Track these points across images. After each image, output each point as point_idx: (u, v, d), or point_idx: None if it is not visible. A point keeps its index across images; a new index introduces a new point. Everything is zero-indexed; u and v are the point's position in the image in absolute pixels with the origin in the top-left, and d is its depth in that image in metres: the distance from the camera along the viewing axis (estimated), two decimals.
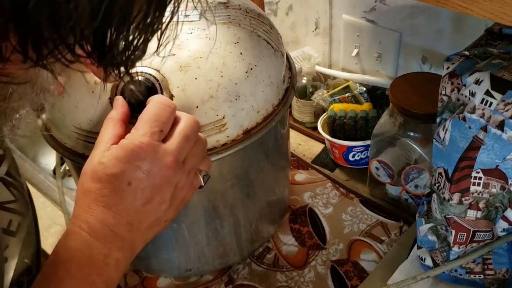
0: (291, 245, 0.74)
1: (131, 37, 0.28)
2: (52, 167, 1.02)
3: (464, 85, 0.53)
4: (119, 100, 0.47)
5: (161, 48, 0.32)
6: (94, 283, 0.40)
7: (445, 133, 0.54)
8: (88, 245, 0.40)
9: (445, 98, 0.56)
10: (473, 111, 0.51)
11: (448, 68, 0.55)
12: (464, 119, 0.52)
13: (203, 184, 0.49)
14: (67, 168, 0.87)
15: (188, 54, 0.51)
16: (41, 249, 0.56)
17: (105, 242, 0.41)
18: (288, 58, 0.63)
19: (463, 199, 0.54)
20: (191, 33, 0.54)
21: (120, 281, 0.71)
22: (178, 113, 0.46)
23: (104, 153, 0.42)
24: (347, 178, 0.86)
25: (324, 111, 0.88)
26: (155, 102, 0.45)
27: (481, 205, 0.54)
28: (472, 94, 0.51)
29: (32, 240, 0.51)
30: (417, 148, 0.69)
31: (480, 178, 0.53)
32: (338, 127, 0.83)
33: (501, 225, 0.55)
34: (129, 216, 0.42)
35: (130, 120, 0.47)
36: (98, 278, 0.40)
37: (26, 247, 0.49)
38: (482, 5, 0.40)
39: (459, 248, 0.58)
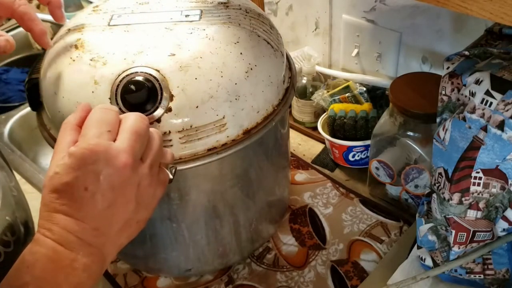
0: (291, 245, 0.74)
1: None
2: None
3: (464, 85, 0.53)
4: (81, 105, 0.46)
5: None
6: (60, 287, 0.39)
7: (445, 133, 0.54)
8: (54, 250, 0.40)
9: (445, 98, 0.56)
10: (473, 111, 0.51)
11: (448, 68, 0.55)
12: (464, 119, 0.51)
13: (171, 177, 0.48)
14: None
15: (188, 54, 0.51)
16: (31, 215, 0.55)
17: (72, 248, 0.40)
18: (288, 58, 0.63)
19: (463, 199, 0.54)
20: (191, 33, 0.54)
21: (120, 281, 0.71)
22: (123, 114, 0.45)
23: (58, 163, 0.41)
24: (347, 178, 0.86)
25: (324, 111, 0.88)
26: (95, 108, 0.44)
27: (481, 205, 0.54)
28: (472, 94, 0.51)
29: (10, 199, 0.51)
30: (417, 148, 0.69)
31: (480, 178, 0.53)
32: (338, 127, 0.83)
33: (501, 225, 0.55)
34: (94, 221, 0.41)
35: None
36: (65, 282, 0.39)
37: (5, 205, 0.48)
38: (482, 5, 0.40)
39: (459, 248, 0.58)
